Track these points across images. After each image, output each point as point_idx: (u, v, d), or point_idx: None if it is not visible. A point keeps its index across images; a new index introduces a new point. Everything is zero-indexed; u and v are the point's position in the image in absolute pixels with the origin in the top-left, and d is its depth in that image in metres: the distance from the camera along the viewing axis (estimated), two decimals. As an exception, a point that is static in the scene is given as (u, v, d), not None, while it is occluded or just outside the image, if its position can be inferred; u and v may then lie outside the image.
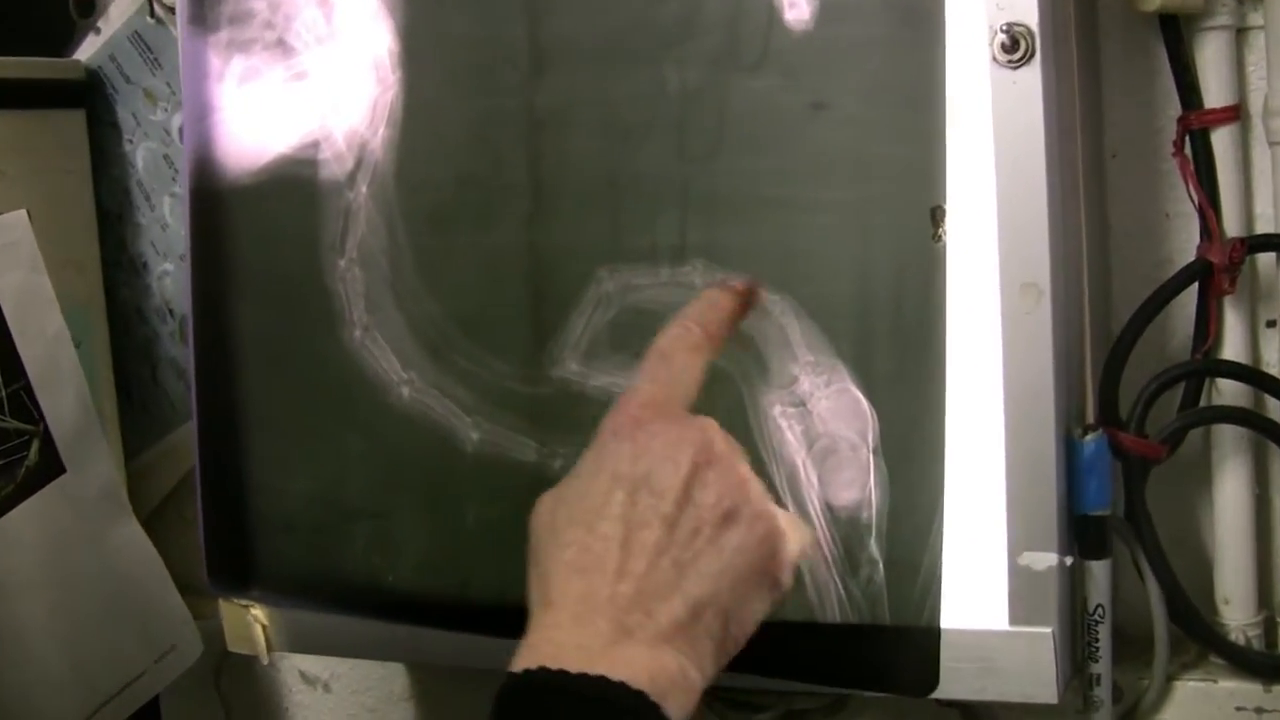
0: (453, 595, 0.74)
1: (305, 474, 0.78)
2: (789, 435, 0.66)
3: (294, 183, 0.75)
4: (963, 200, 0.62)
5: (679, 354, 0.57)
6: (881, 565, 0.64)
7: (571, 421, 0.67)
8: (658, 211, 0.68)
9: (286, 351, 0.78)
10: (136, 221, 0.98)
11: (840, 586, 0.65)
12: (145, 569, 0.89)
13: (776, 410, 0.66)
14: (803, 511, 0.65)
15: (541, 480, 0.63)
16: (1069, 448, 0.64)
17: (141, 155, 0.96)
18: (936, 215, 0.62)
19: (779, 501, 0.63)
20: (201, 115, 0.79)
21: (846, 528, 0.65)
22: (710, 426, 0.55)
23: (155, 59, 0.94)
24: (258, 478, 0.80)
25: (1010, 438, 0.62)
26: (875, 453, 0.64)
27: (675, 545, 0.52)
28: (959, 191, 0.62)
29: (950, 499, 0.63)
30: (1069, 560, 0.64)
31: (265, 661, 0.83)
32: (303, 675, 0.99)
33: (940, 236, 0.62)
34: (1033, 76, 0.60)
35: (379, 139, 0.73)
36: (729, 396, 0.66)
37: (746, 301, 0.61)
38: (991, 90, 0.61)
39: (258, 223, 0.78)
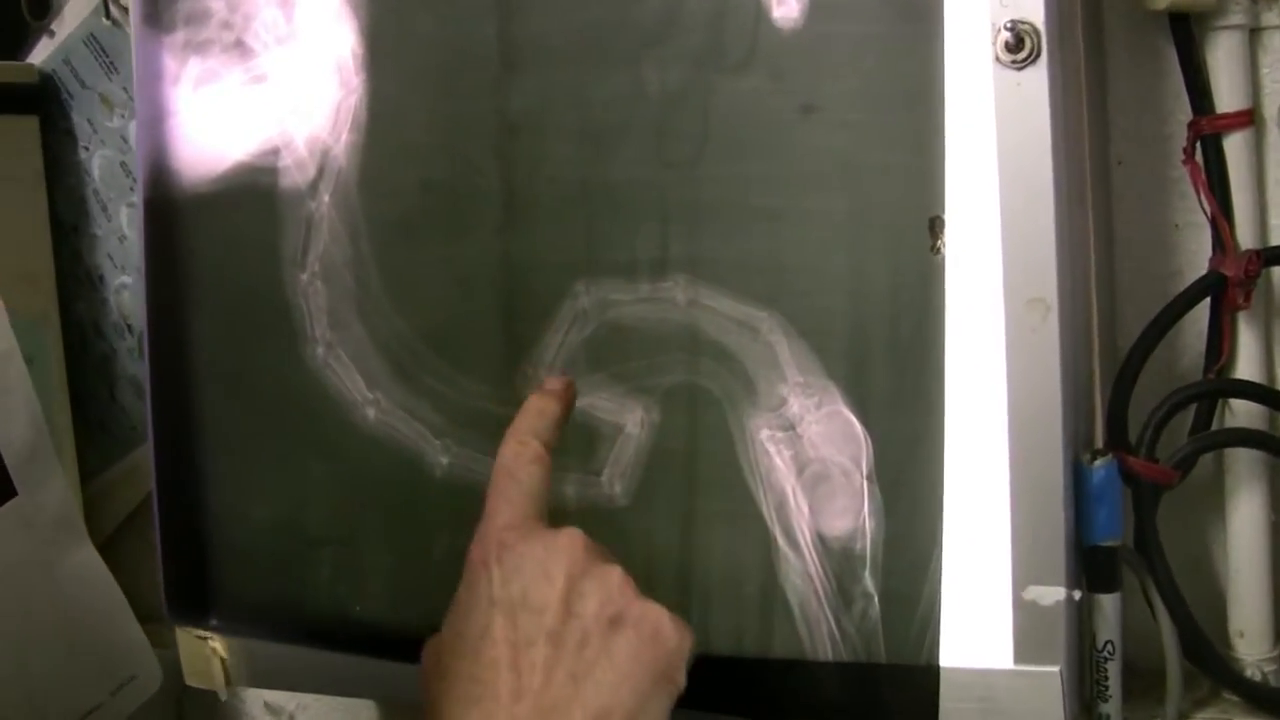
0: (422, 628, 0.69)
1: (266, 498, 0.75)
2: (778, 461, 0.62)
3: (253, 191, 0.72)
4: (963, 209, 0.58)
5: (523, 469, 0.58)
6: (877, 599, 0.61)
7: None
8: (637, 221, 0.64)
9: (246, 370, 0.75)
10: (93, 233, 0.94)
11: (832, 622, 0.62)
12: (102, 596, 0.86)
13: (764, 434, 0.62)
14: (792, 541, 0.62)
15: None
16: (1077, 474, 0.60)
17: (98, 163, 0.93)
18: (935, 225, 0.59)
19: (768, 530, 0.61)
20: (156, 120, 0.75)
21: (839, 559, 0.62)
22: (575, 536, 0.55)
23: (111, 63, 0.91)
24: (217, 502, 0.77)
25: (1015, 463, 0.58)
26: (870, 479, 0.61)
27: (566, 658, 0.53)
28: (959, 200, 0.58)
29: (950, 529, 0.59)
30: (1078, 594, 0.60)
31: (224, 697, 0.80)
32: (267, 706, 0.97)
33: (939, 248, 0.59)
34: (1039, 77, 0.56)
35: (342, 145, 0.70)
36: (713, 419, 0.63)
37: (568, 399, 0.62)
38: (994, 92, 0.57)
39: (215, 234, 0.75)
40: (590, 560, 0.55)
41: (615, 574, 0.55)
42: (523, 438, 0.60)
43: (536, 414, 0.61)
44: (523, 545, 0.55)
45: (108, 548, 0.90)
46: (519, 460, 0.59)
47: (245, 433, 0.76)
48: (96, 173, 0.93)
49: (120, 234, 0.93)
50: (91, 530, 0.87)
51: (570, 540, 0.55)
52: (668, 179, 0.63)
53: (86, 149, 0.93)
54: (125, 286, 0.94)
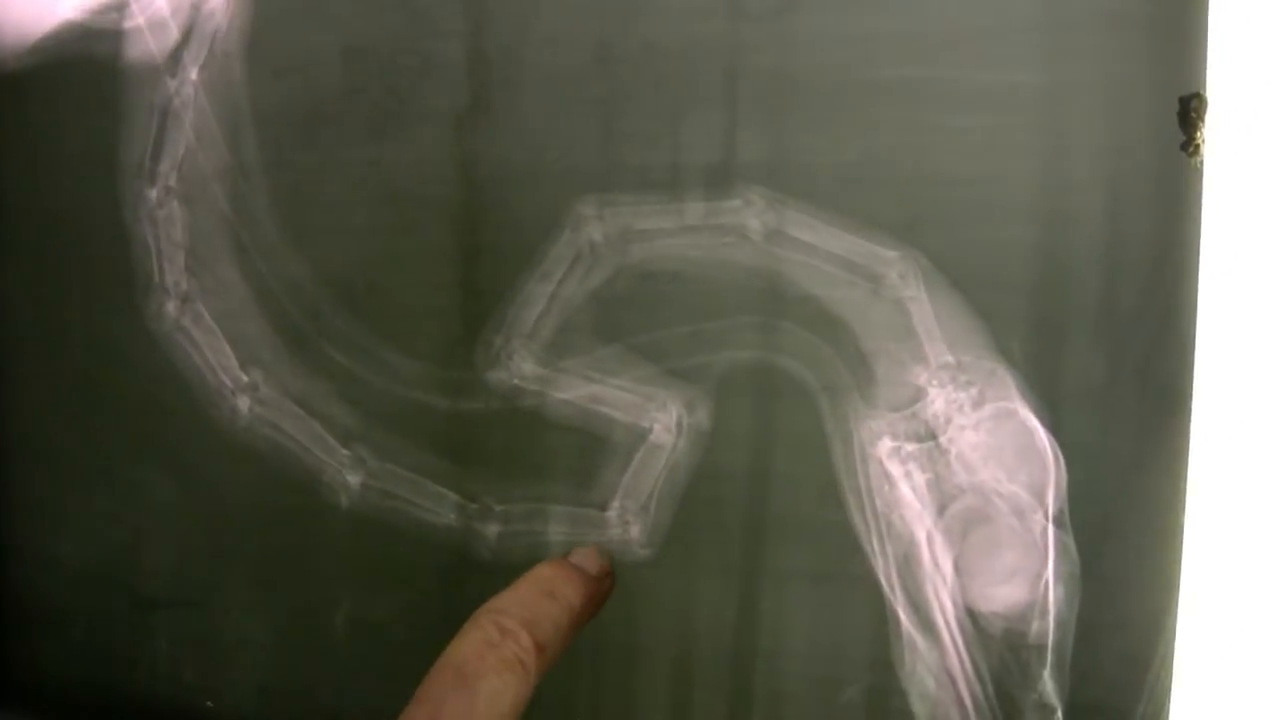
0: (308, 737, 0.51)
1: (82, 534, 0.54)
2: (905, 490, 0.41)
3: (85, 66, 0.51)
4: (1238, 86, 0.37)
5: (487, 676, 0.38)
6: (1061, 714, 0.40)
7: (517, 460, 0.44)
8: (688, 104, 0.42)
9: (59, 334, 0.53)
10: None
11: (986, 751, 0.41)
12: None
13: (884, 446, 0.41)
14: (924, 620, 0.41)
15: (463, 560, 0.43)
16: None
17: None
18: (1192, 110, 0.38)
19: (885, 600, 0.42)
20: (-54, -35, 0.54)
21: (1002, 650, 0.40)
22: None
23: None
24: (11, 535, 0.56)
25: (1306, 504, 0.38)
26: (1059, 524, 0.39)
27: None
28: (1230, 71, 0.37)
29: (1191, 607, 0.39)
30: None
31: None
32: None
33: (1198, 146, 0.38)
34: None
35: (222, -8, 0.48)
36: (798, 423, 0.42)
37: (601, 590, 0.42)
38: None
39: (27, 129, 0.53)
40: None
41: None
42: (505, 620, 0.38)
43: (542, 591, 0.40)
44: None
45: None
46: (485, 657, 0.38)
47: (53, 433, 0.54)
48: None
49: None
50: None
51: None
52: (740, 36, 0.42)
53: None
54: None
